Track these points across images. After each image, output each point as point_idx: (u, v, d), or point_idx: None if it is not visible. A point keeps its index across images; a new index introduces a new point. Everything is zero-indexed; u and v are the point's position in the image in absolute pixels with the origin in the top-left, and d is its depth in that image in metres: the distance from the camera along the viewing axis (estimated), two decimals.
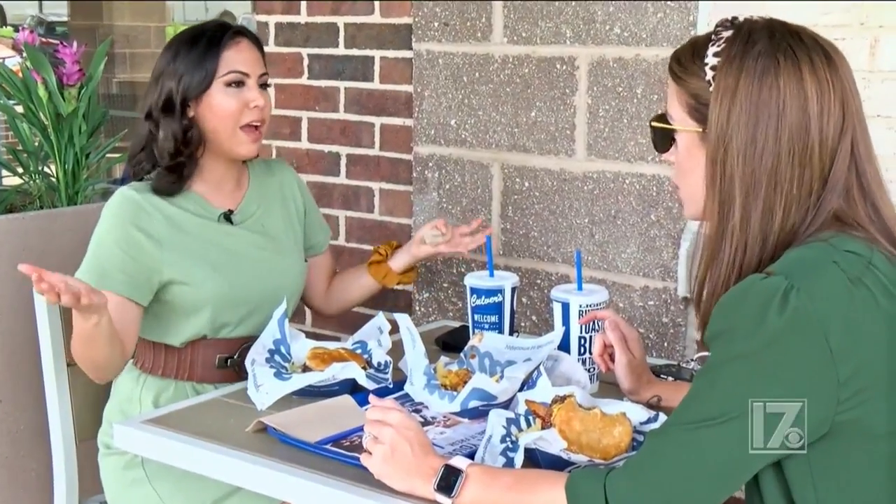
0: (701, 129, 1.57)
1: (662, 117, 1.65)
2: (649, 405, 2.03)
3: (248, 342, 2.31)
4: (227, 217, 2.43)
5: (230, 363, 2.38)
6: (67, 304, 2.00)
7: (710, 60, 1.54)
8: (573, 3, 2.80)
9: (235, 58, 2.36)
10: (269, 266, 2.44)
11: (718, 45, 1.55)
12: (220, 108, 2.35)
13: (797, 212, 1.51)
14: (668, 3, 2.65)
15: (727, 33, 1.56)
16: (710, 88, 1.54)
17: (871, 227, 1.51)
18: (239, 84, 2.36)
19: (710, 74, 1.54)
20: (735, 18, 1.59)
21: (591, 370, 2.23)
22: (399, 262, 2.67)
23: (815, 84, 1.49)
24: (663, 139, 1.66)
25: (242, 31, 2.42)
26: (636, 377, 2.11)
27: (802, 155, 1.49)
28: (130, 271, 2.29)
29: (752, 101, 1.50)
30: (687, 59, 1.59)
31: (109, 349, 2.21)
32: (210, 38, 2.36)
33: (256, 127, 2.39)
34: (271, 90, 2.86)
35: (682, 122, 1.61)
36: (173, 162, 2.36)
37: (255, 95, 2.37)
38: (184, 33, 2.42)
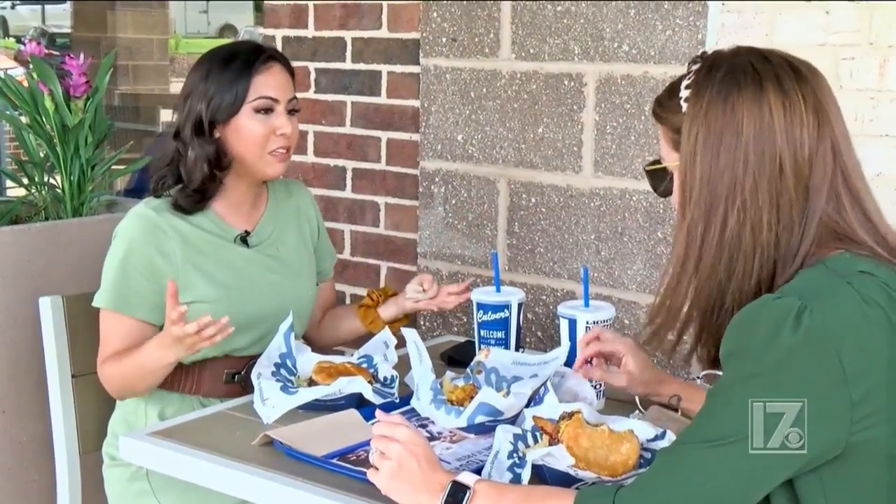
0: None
1: (657, 162, 1.69)
2: (669, 406, 2.04)
3: (255, 359, 2.29)
4: (244, 239, 2.42)
5: (237, 378, 2.37)
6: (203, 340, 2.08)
7: (683, 94, 1.59)
8: (581, 19, 2.80)
9: (266, 83, 2.33)
10: (281, 291, 2.42)
11: (689, 79, 1.60)
12: (247, 133, 2.32)
13: (776, 222, 1.52)
14: (677, 20, 2.65)
15: (696, 66, 1.61)
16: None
17: (868, 238, 1.53)
18: (268, 111, 2.33)
19: (684, 107, 1.58)
20: (704, 53, 1.64)
21: (598, 386, 2.22)
22: (388, 311, 2.57)
23: (780, 97, 1.52)
24: (660, 182, 1.70)
25: (275, 56, 2.38)
26: (643, 385, 2.11)
27: (772, 166, 1.51)
28: (149, 294, 2.28)
29: (717, 124, 1.53)
30: (665, 98, 1.66)
31: (156, 381, 2.29)
32: (243, 62, 2.33)
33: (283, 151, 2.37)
34: None
35: (670, 159, 1.65)
36: (206, 187, 2.34)
37: (282, 122, 2.34)
38: (217, 52, 2.39)
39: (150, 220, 2.31)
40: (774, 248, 1.52)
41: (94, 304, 2.31)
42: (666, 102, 1.64)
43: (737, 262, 1.53)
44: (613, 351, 2.14)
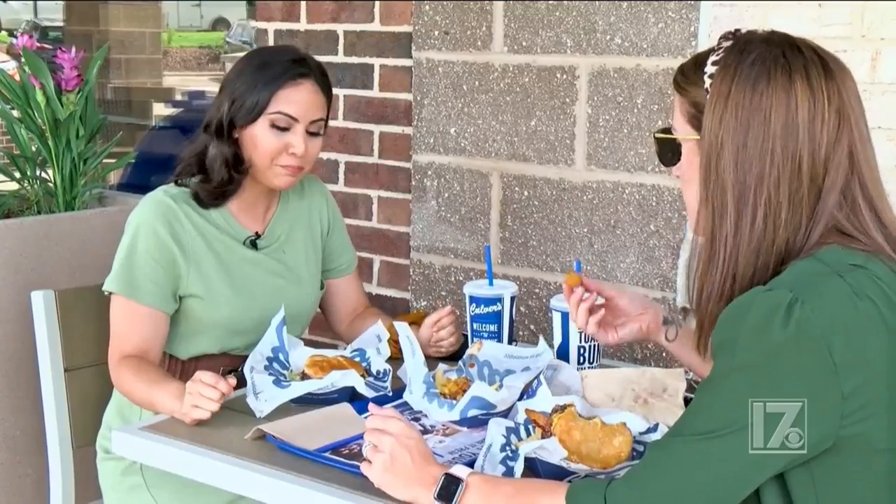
0: (699, 136, 1.58)
1: (666, 130, 1.67)
2: (667, 321, 2.10)
3: None
4: (253, 242, 2.40)
5: (233, 374, 2.36)
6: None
7: (709, 69, 1.56)
8: (574, 12, 2.80)
9: (290, 98, 2.28)
10: (285, 296, 2.39)
11: (717, 55, 1.57)
12: (259, 143, 2.29)
13: (791, 221, 1.51)
14: (670, 13, 2.65)
15: (727, 44, 1.58)
16: (707, 96, 1.55)
17: (876, 237, 1.52)
18: (285, 127, 2.29)
19: (707, 83, 1.56)
20: (738, 31, 1.61)
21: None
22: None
23: (807, 93, 1.50)
24: (668, 151, 1.67)
25: (311, 73, 2.32)
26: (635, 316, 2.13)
27: (793, 163, 1.50)
28: (160, 281, 2.27)
29: (743, 108, 1.51)
30: (689, 69, 1.62)
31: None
32: (275, 71, 2.28)
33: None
34: None
35: (683, 132, 1.62)
36: (224, 188, 2.33)
37: (297, 142, 2.28)
38: (259, 53, 2.37)
39: (167, 206, 2.30)
40: (784, 245, 1.51)
41: (104, 288, 2.30)
42: (690, 74, 1.61)
43: (760, 257, 1.52)
44: (607, 296, 2.15)
